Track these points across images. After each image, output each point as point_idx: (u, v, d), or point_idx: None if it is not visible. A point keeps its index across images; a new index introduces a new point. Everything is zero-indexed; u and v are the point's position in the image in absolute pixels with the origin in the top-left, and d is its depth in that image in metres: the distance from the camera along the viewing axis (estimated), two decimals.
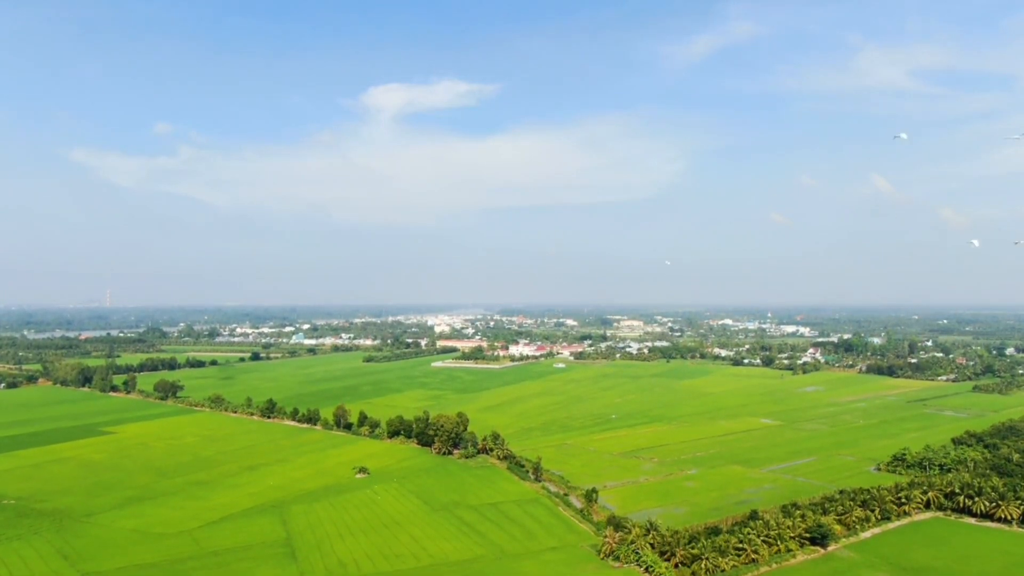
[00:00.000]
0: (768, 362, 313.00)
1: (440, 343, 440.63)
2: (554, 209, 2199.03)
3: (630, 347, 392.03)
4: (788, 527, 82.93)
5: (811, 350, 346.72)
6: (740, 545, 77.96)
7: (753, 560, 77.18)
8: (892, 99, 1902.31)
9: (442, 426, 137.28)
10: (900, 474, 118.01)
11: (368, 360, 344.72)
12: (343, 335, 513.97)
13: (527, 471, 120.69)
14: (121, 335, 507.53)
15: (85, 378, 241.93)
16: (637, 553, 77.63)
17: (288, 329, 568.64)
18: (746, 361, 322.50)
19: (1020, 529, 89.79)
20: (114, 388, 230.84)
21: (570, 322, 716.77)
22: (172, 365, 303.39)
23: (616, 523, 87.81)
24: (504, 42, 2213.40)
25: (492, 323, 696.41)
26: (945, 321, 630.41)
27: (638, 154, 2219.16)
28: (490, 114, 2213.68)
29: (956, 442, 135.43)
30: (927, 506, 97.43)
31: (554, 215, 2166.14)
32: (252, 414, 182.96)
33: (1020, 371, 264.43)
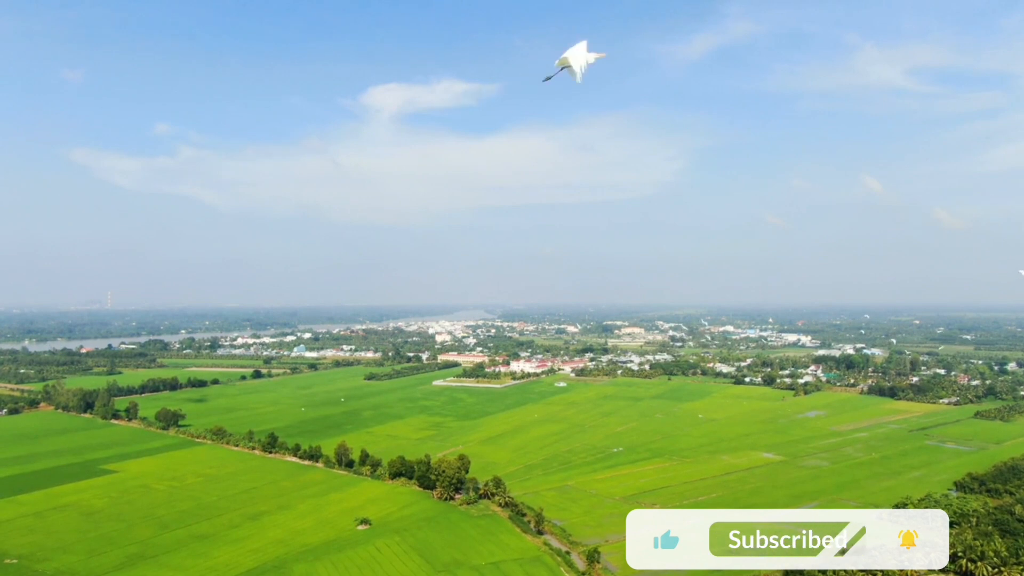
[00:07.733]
0: (769, 380, 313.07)
1: (441, 357, 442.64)
2: (554, 208, 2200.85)
3: (631, 362, 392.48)
4: None
5: (812, 367, 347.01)
6: None
7: None
8: (890, 98, 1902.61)
9: (444, 471, 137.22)
10: None
11: (369, 378, 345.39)
12: (344, 346, 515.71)
13: (529, 522, 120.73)
14: (123, 346, 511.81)
15: (87, 403, 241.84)
16: None
17: (289, 338, 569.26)
18: (747, 379, 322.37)
19: None
20: (116, 415, 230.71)
21: (571, 329, 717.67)
22: (174, 385, 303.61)
23: None
24: (504, 41, 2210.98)
25: (493, 330, 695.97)
26: (943, 329, 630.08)
27: (637, 153, 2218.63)
28: (490, 114, 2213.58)
29: (958, 486, 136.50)
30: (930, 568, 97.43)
31: (554, 214, 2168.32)
32: (254, 448, 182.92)
33: (1022, 392, 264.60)
